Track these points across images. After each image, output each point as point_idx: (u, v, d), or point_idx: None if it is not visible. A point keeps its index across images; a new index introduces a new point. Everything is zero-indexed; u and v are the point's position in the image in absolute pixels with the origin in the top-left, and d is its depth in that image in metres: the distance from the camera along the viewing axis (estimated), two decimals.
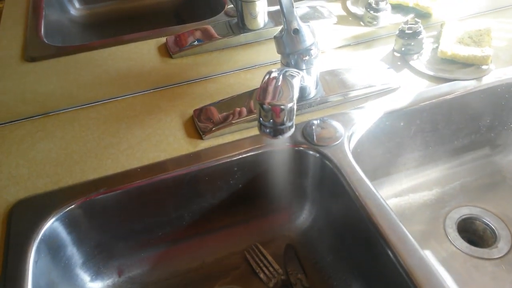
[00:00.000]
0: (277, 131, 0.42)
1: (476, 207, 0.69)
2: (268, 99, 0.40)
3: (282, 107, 0.40)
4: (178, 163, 0.55)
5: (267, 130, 0.42)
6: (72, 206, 0.50)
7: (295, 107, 0.41)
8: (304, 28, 0.55)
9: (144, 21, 1.17)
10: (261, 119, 0.41)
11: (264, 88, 0.41)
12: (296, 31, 0.55)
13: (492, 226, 0.66)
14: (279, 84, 0.42)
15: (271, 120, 0.41)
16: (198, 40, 0.78)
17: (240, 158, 0.57)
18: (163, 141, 0.59)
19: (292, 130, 0.43)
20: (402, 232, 0.47)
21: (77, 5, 1.12)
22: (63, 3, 1.08)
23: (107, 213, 0.53)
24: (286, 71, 0.44)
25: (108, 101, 0.66)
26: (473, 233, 0.68)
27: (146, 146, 0.58)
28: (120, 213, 0.55)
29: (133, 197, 0.54)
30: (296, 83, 0.43)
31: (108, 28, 1.15)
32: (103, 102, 0.66)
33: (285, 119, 0.41)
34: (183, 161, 0.56)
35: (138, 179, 0.53)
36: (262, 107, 0.40)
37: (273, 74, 0.43)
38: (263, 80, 0.43)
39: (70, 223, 0.50)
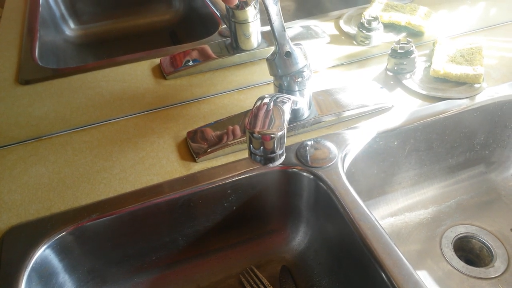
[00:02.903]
0: (267, 159, 0.42)
1: (472, 225, 0.69)
2: (258, 127, 0.40)
3: (272, 135, 0.40)
4: (171, 187, 0.55)
5: (258, 158, 0.42)
6: (64, 233, 0.49)
7: (285, 134, 0.41)
8: (296, 50, 0.55)
9: (139, 41, 1.18)
10: (251, 147, 0.41)
11: (254, 115, 0.41)
12: (288, 54, 0.55)
13: (489, 245, 0.66)
14: (270, 111, 0.42)
15: (261, 148, 0.41)
16: (192, 60, 0.78)
17: (234, 180, 0.57)
18: (156, 164, 0.59)
19: (283, 157, 0.43)
20: (396, 255, 0.46)
21: (72, 25, 1.12)
22: (58, 24, 1.09)
23: (100, 238, 0.53)
24: (277, 98, 0.44)
25: (102, 124, 0.66)
26: (470, 252, 0.68)
27: (139, 169, 0.58)
28: (113, 238, 0.54)
29: (125, 222, 0.53)
30: (287, 109, 0.43)
31: (104, 48, 1.15)
32: (96, 125, 0.66)
33: (275, 147, 0.41)
34: (176, 184, 0.55)
35: (131, 204, 0.53)
36: (252, 135, 0.40)
37: (264, 101, 0.43)
38: (253, 106, 0.43)
39: (62, 250, 0.50)
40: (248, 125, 0.40)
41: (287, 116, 0.42)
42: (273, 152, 0.41)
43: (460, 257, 0.66)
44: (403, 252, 0.65)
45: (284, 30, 0.54)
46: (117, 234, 0.54)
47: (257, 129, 0.40)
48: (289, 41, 0.55)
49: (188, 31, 1.17)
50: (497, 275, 0.62)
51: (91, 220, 0.52)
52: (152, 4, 1.21)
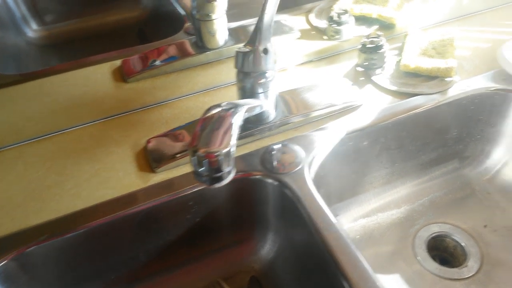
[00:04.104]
0: (214, 179, 0.39)
1: (445, 223, 0.67)
2: (202, 145, 0.37)
3: (217, 153, 0.37)
4: (127, 202, 0.52)
5: (203, 179, 0.39)
6: (6, 260, 0.46)
7: (233, 150, 0.38)
8: (272, 49, 0.52)
9: (106, 39, 1.13)
10: (195, 167, 0.38)
11: (197, 132, 0.38)
12: (266, 51, 0.52)
13: (462, 244, 0.64)
14: (216, 125, 0.38)
15: (206, 168, 0.38)
16: (155, 61, 0.74)
17: (196, 191, 0.54)
18: (112, 177, 0.56)
19: (232, 175, 0.40)
20: (362, 268, 0.44)
21: (34, 26, 1.07)
22: (19, 25, 1.04)
23: (50, 262, 0.50)
24: (225, 108, 0.41)
25: (56, 134, 0.63)
26: (444, 251, 0.66)
27: (94, 183, 0.55)
28: (66, 260, 0.51)
29: (78, 243, 0.50)
30: (237, 121, 0.40)
31: (69, 48, 1.10)
32: (51, 135, 0.62)
33: (221, 166, 0.38)
34: (132, 199, 0.52)
35: (82, 223, 0.50)
36: (195, 154, 0.37)
37: (211, 113, 0.40)
38: (198, 121, 0.39)
39: (6, 278, 0.47)
40: (191, 143, 0.37)
41: (236, 128, 0.39)
42: (220, 171, 0.38)
43: (434, 256, 0.65)
44: (375, 255, 0.64)
45: (271, 25, 0.51)
46: (70, 255, 0.51)
47: (201, 147, 0.37)
48: (271, 38, 0.52)
49: (156, 28, 1.12)
50: (470, 275, 0.61)
51: (40, 242, 0.48)
52: (119, 1, 1.16)
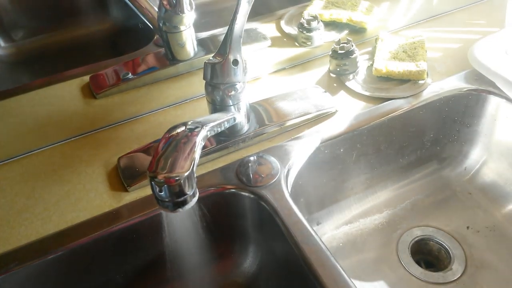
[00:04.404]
0: (176, 204, 0.37)
1: (428, 226, 0.67)
2: (161, 170, 0.36)
3: (177, 178, 0.35)
4: (100, 223, 0.50)
5: (165, 204, 0.37)
6: None
7: (194, 172, 0.37)
8: (242, 61, 0.51)
9: (78, 54, 1.11)
10: (156, 193, 0.37)
11: (157, 155, 0.36)
12: (236, 62, 0.51)
13: (446, 246, 0.64)
14: (176, 147, 0.37)
15: (167, 194, 0.36)
16: (124, 75, 0.72)
17: None
18: (83, 198, 0.54)
19: (195, 198, 0.38)
20: (343, 281, 0.43)
21: (1, 43, 1.05)
22: None
23: None
24: (190, 128, 0.39)
25: (25, 156, 0.60)
26: (429, 254, 0.66)
27: (64, 206, 0.53)
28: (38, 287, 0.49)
29: (50, 269, 0.48)
30: (199, 141, 0.38)
31: (40, 64, 1.07)
32: (18, 158, 0.60)
33: (183, 190, 0.36)
34: (105, 220, 0.51)
35: (54, 247, 0.48)
36: (154, 180, 0.35)
37: (174, 132, 0.38)
38: (159, 143, 0.38)
39: None
40: (150, 168, 0.36)
41: (198, 149, 0.38)
42: (182, 195, 0.36)
43: (418, 260, 0.64)
44: (359, 262, 0.63)
45: (241, 36, 0.50)
46: (42, 281, 0.49)
47: (160, 172, 0.35)
48: (241, 49, 0.51)
49: (128, 41, 1.10)
50: (455, 278, 0.60)
51: (10, 270, 0.46)
52: (89, 13, 1.14)
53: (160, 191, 0.36)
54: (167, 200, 0.36)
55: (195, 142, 0.38)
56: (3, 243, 0.50)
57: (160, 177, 0.35)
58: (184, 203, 0.37)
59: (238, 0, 0.47)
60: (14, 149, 0.61)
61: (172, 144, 0.37)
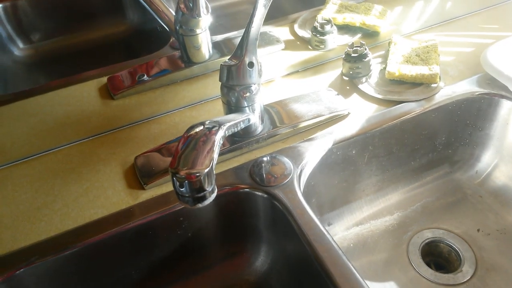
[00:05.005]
0: (196, 199, 0.38)
1: (439, 229, 0.67)
2: (182, 166, 0.37)
3: (197, 174, 0.37)
4: (117, 220, 0.52)
5: (185, 199, 0.39)
6: None
7: (213, 169, 0.38)
8: (258, 63, 0.53)
9: (94, 56, 1.13)
10: (176, 188, 0.38)
11: (178, 153, 0.38)
12: (251, 65, 0.52)
13: (456, 248, 0.64)
14: (196, 145, 0.38)
15: (187, 189, 0.37)
16: (141, 77, 0.74)
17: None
18: (101, 196, 0.55)
19: (214, 194, 0.40)
20: (354, 279, 0.44)
21: (20, 44, 1.07)
22: (5, 44, 1.04)
23: (41, 284, 0.49)
24: (208, 127, 0.40)
25: (44, 154, 0.62)
26: (439, 256, 0.66)
27: (83, 202, 0.54)
28: (57, 282, 0.50)
29: (69, 263, 0.50)
30: (218, 139, 0.40)
31: (57, 66, 1.10)
32: (38, 156, 0.62)
33: (203, 186, 0.38)
34: (122, 217, 0.52)
35: (73, 243, 0.49)
36: (176, 176, 0.37)
37: (190, 132, 0.40)
38: (179, 141, 0.39)
39: None
40: (172, 165, 0.37)
41: (217, 147, 0.39)
42: (202, 190, 0.38)
43: (429, 262, 0.65)
44: (369, 263, 0.63)
45: (257, 39, 0.51)
46: (61, 276, 0.50)
47: (181, 168, 0.37)
48: (257, 51, 0.52)
49: (144, 43, 1.12)
50: (465, 280, 0.61)
51: (30, 264, 0.48)
52: (105, 16, 1.16)
53: (181, 186, 0.37)
54: (187, 195, 0.38)
55: (214, 141, 0.39)
56: (24, 238, 0.51)
57: (182, 173, 0.37)
58: (204, 198, 0.38)
59: (255, 3, 0.48)
60: (34, 147, 0.63)
61: (192, 142, 0.39)
